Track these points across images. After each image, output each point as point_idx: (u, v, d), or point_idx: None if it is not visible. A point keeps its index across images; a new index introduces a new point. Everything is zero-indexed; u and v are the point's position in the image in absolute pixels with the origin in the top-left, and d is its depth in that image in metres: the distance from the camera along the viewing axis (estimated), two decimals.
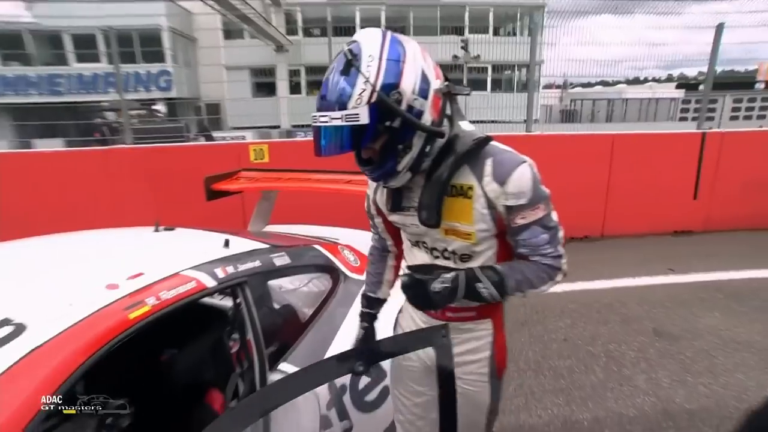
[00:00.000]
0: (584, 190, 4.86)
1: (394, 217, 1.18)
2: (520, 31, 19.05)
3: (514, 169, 1.00)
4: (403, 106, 0.93)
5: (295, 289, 1.96)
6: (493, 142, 1.05)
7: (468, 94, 1.08)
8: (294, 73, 18.08)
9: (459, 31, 17.41)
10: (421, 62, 0.96)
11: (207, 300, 1.77)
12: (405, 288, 1.10)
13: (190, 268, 1.30)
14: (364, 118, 0.90)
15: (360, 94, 0.89)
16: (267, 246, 1.68)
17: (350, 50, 0.93)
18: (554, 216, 1.08)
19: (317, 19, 17.19)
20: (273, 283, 1.74)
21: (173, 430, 1.56)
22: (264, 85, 18.55)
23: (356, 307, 1.73)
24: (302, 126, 13.71)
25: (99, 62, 16.10)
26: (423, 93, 0.95)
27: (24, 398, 0.82)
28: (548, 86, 24.16)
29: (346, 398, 1.53)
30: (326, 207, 3.54)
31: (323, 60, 6.41)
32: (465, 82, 14.83)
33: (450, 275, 1.05)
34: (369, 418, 1.61)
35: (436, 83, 0.98)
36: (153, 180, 4.56)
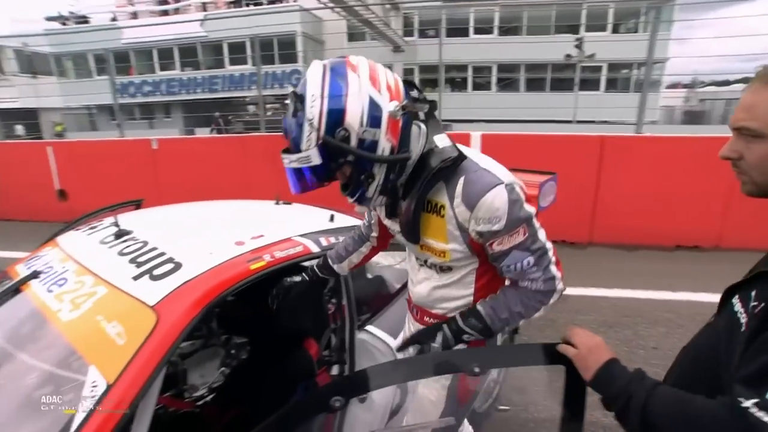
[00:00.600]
0: (696, 197, 4.25)
1: (387, 222, 1.15)
2: (643, 27, 16.86)
3: (485, 192, 0.89)
4: (353, 142, 0.86)
5: (389, 265, 2.08)
6: (472, 157, 0.95)
7: (425, 110, 0.97)
8: (408, 72, 18.34)
9: (575, 29, 16.00)
10: (368, 89, 0.86)
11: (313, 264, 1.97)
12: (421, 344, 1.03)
13: (300, 235, 1.48)
14: (316, 159, 0.86)
15: (308, 136, 0.85)
16: None
17: (294, 92, 0.87)
18: (541, 235, 0.94)
19: (433, 21, 17.13)
20: None
21: (277, 365, 1.79)
22: None
23: None
24: None
25: (246, 64, 18.11)
26: (374, 122, 0.86)
27: (181, 312, 1.04)
28: (673, 86, 21.07)
29: None
30: None
31: (435, 59, 6.54)
32: (576, 80, 13.65)
33: (438, 340, 0.98)
34: None
35: (391, 106, 0.87)
36: (276, 162, 5.08)
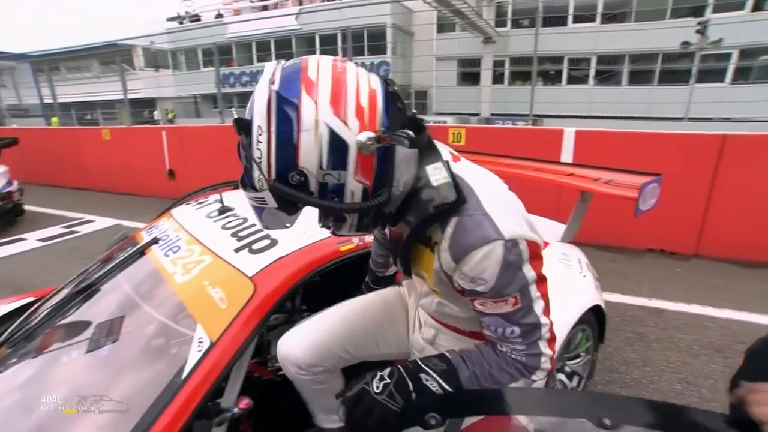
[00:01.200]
0: None
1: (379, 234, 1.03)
2: None
3: (476, 248, 0.72)
4: (312, 186, 0.69)
5: None
6: (479, 192, 0.76)
7: (423, 141, 0.76)
8: (498, 64, 17.72)
9: (699, 11, 13.93)
10: (327, 119, 0.66)
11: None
12: (353, 414, 0.78)
13: None
14: (272, 202, 0.71)
15: (258, 178, 0.69)
16: None
17: (238, 120, 0.69)
18: (537, 308, 0.78)
19: (528, 10, 16.28)
20: None
21: None
22: (469, 75, 18.72)
23: None
24: (500, 115, 13.44)
25: (336, 56, 18.84)
26: (338, 162, 0.68)
27: (278, 283, 1.14)
28: None
29: None
30: (515, 190, 3.51)
31: (528, 50, 6.24)
32: (694, 72, 12.08)
33: (386, 371, 0.80)
34: None
35: (361, 137, 0.67)
36: None
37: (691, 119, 9.59)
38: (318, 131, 0.66)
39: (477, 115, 14.88)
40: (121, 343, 1.16)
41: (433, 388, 0.78)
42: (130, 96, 8.03)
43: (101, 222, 5.75)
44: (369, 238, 1.37)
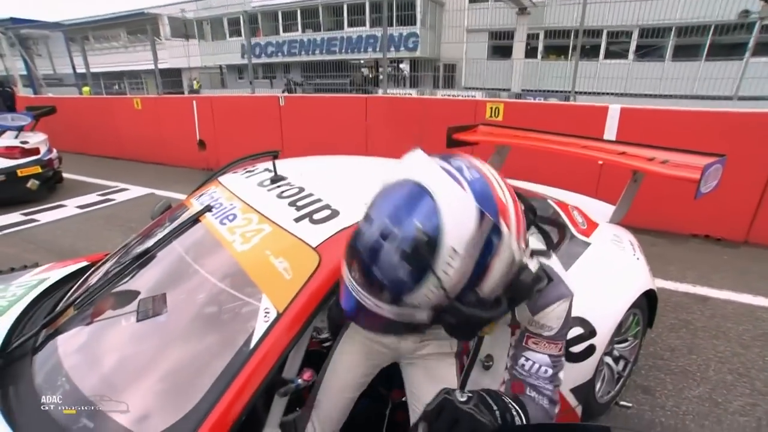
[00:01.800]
0: None
1: None
2: None
3: (553, 302, 0.86)
4: (473, 302, 0.69)
5: None
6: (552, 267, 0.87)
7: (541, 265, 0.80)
8: (532, 37, 16.95)
9: None
10: (515, 247, 0.69)
11: None
12: (436, 428, 0.70)
13: None
14: (421, 317, 0.68)
15: (426, 296, 0.65)
16: None
17: (426, 236, 0.62)
18: (563, 358, 0.91)
19: None
20: None
21: None
22: (500, 48, 18.02)
23: (575, 267, 1.67)
24: (531, 90, 12.96)
25: (364, 26, 18.41)
26: (505, 281, 0.72)
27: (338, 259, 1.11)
28: None
29: None
30: (556, 169, 3.41)
31: (566, 23, 5.81)
32: (751, 44, 11.22)
33: (466, 390, 0.78)
34: None
35: (524, 259, 0.74)
36: (396, 124, 5.19)
37: (741, 98, 8.97)
38: (509, 257, 0.69)
39: (507, 90, 14.40)
40: (185, 310, 1.16)
41: (513, 412, 0.80)
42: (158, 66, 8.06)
43: (135, 191, 5.89)
44: None
